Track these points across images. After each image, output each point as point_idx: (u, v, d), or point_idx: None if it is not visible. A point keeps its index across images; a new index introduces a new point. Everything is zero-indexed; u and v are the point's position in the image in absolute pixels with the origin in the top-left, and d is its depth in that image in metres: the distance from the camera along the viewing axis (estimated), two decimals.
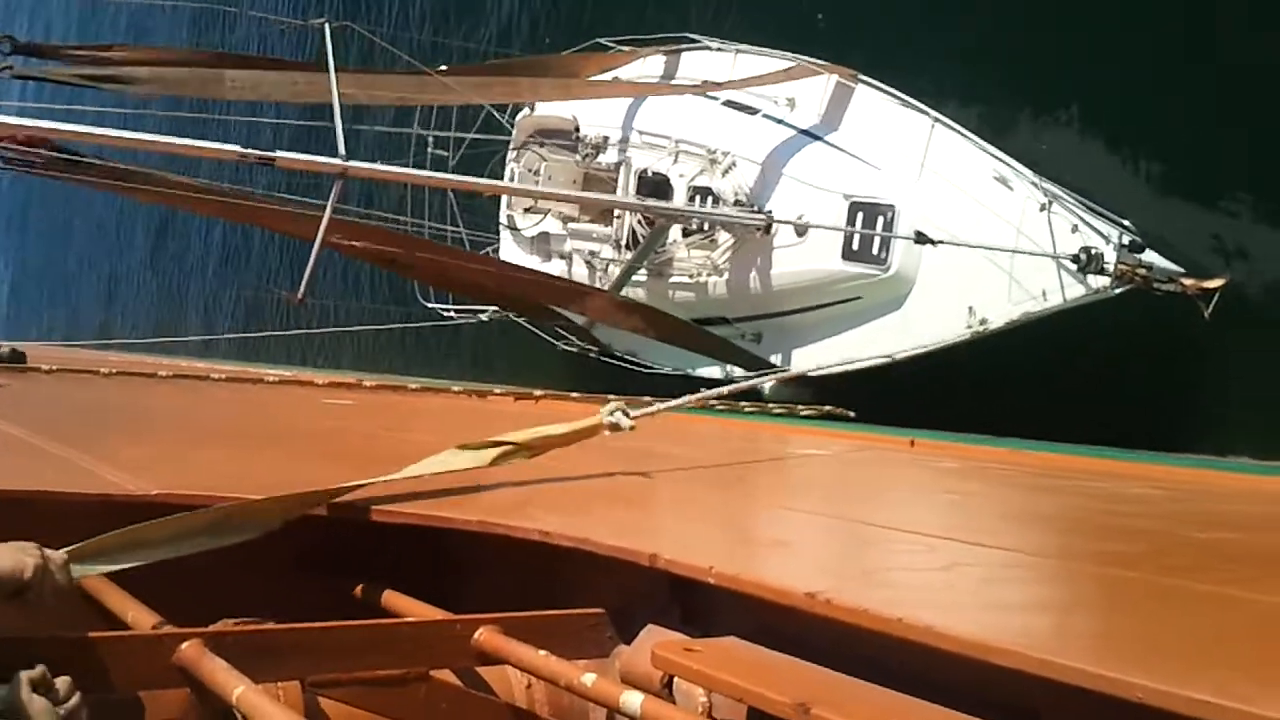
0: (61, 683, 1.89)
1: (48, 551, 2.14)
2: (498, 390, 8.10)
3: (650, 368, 9.99)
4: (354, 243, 7.87)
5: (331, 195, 7.29)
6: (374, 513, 2.83)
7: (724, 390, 4.91)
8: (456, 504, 2.92)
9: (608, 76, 10.21)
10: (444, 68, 9.82)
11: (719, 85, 9.15)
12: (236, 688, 1.88)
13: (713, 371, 9.54)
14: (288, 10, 16.52)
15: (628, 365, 10.10)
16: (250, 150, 7.14)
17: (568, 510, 3.02)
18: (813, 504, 3.49)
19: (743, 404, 7.92)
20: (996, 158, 7.74)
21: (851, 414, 7.38)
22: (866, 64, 8.79)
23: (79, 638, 2.07)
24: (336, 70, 7.64)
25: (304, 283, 7.53)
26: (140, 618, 2.37)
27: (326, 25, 8.10)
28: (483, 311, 11.59)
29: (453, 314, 11.57)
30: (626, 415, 3.42)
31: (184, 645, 2.07)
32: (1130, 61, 7.66)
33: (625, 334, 10.32)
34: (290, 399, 7.23)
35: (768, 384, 8.97)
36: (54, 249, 25.28)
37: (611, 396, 8.59)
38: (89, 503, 2.67)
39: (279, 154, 7.29)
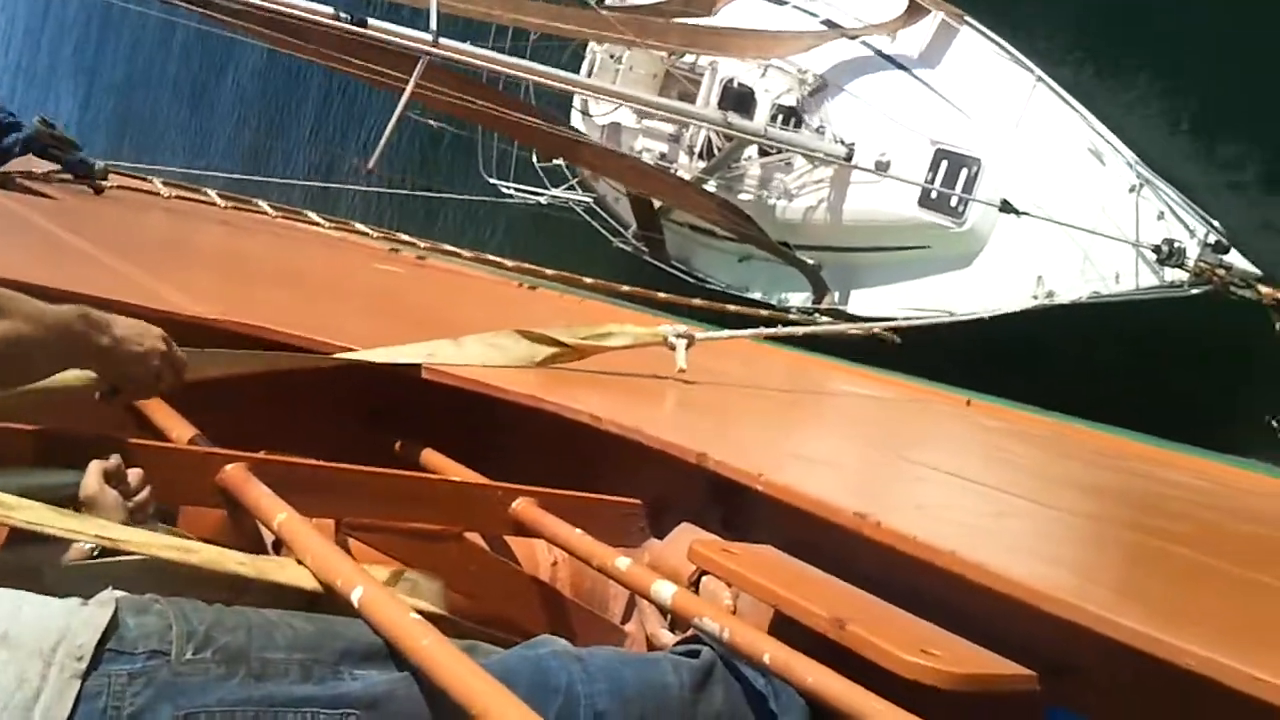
0: (134, 475, 1.89)
1: (175, 347, 2.14)
2: (549, 272, 8.04)
3: (702, 280, 9.92)
4: (442, 92, 7.79)
5: (416, 70, 7.24)
6: (424, 370, 2.83)
7: (793, 330, 4.86)
8: (505, 374, 2.92)
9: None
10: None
11: (847, 32, 8.83)
12: (280, 514, 1.88)
13: (769, 296, 9.47)
14: None
15: (679, 275, 10.03)
16: (344, 14, 7.10)
17: (617, 401, 3.00)
18: (865, 436, 3.47)
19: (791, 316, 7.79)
20: (1094, 129, 7.48)
21: (898, 340, 7.20)
22: (976, 5, 8.55)
23: (127, 441, 2.07)
24: None
25: (377, 151, 7.55)
26: (183, 434, 2.38)
27: None
28: (542, 194, 11.56)
29: (512, 192, 11.53)
30: (686, 340, 3.37)
31: (229, 467, 2.07)
32: (1254, 59, 7.37)
33: (685, 241, 10.27)
34: (343, 257, 7.26)
35: (815, 317, 8.90)
36: (137, 74, 25.34)
37: (660, 303, 8.61)
38: (153, 317, 2.67)
39: (371, 22, 7.23)
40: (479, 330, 3.10)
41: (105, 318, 2.01)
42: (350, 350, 2.79)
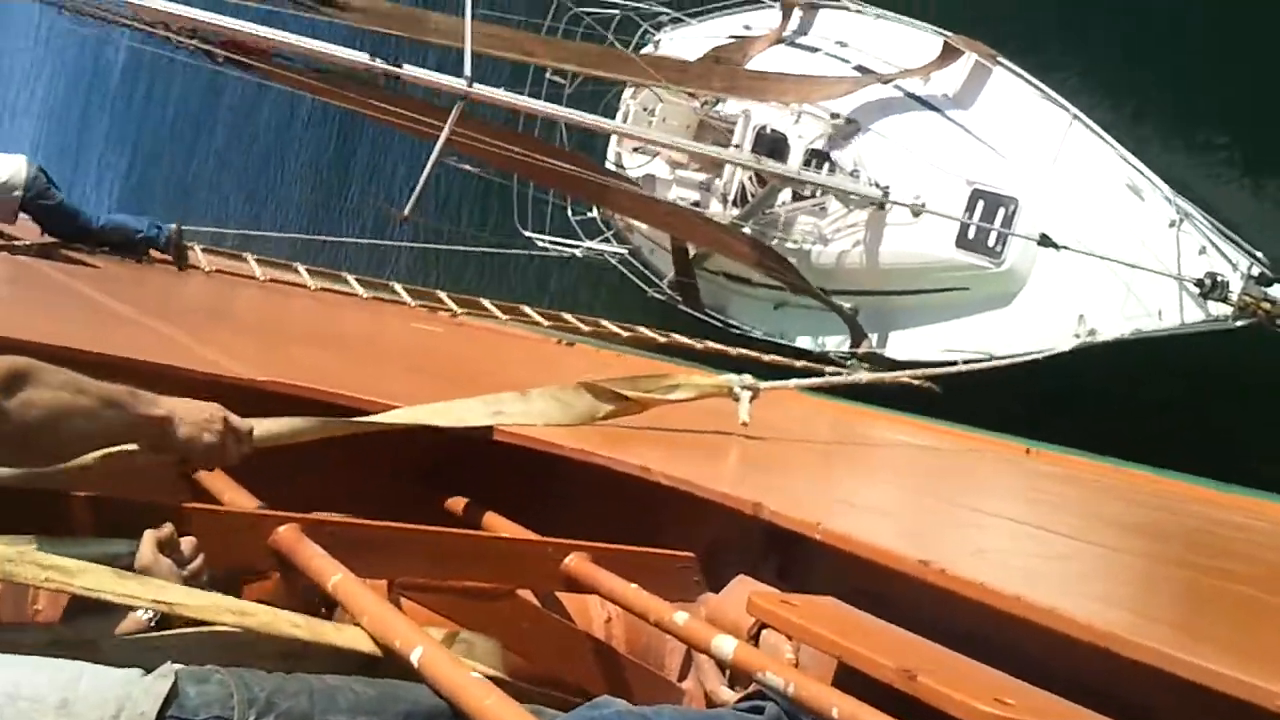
0: (187, 543, 1.89)
1: (235, 419, 2.16)
2: (585, 328, 8.07)
3: (739, 329, 9.89)
4: (478, 139, 7.86)
5: (451, 116, 7.29)
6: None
7: (842, 379, 4.82)
8: (552, 429, 2.90)
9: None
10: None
11: (882, 77, 8.84)
12: (334, 575, 1.87)
13: (805, 342, 9.43)
14: None
15: (715, 324, 10.01)
16: (379, 60, 7.18)
17: (669, 453, 2.98)
18: (919, 485, 3.43)
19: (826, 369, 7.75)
20: (1132, 165, 7.42)
21: (937, 388, 7.11)
22: (1007, 46, 8.54)
23: (180, 507, 2.07)
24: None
25: (411, 200, 7.60)
26: (237, 499, 2.39)
27: None
28: (577, 247, 11.59)
29: (547, 245, 11.57)
30: (751, 392, 3.34)
31: (281, 529, 2.06)
32: None
33: (719, 290, 10.25)
34: (382, 320, 7.32)
35: (853, 363, 8.85)
36: (166, 129, 25.70)
37: (698, 354, 8.60)
38: (199, 380, 2.69)
39: (406, 67, 7.32)
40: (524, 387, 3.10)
41: (153, 396, 2.05)
42: (397, 407, 2.78)
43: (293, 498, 2.37)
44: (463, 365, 5.22)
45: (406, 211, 7.82)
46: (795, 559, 2.28)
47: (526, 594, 2.43)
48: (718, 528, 2.41)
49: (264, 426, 2.32)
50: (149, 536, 1.86)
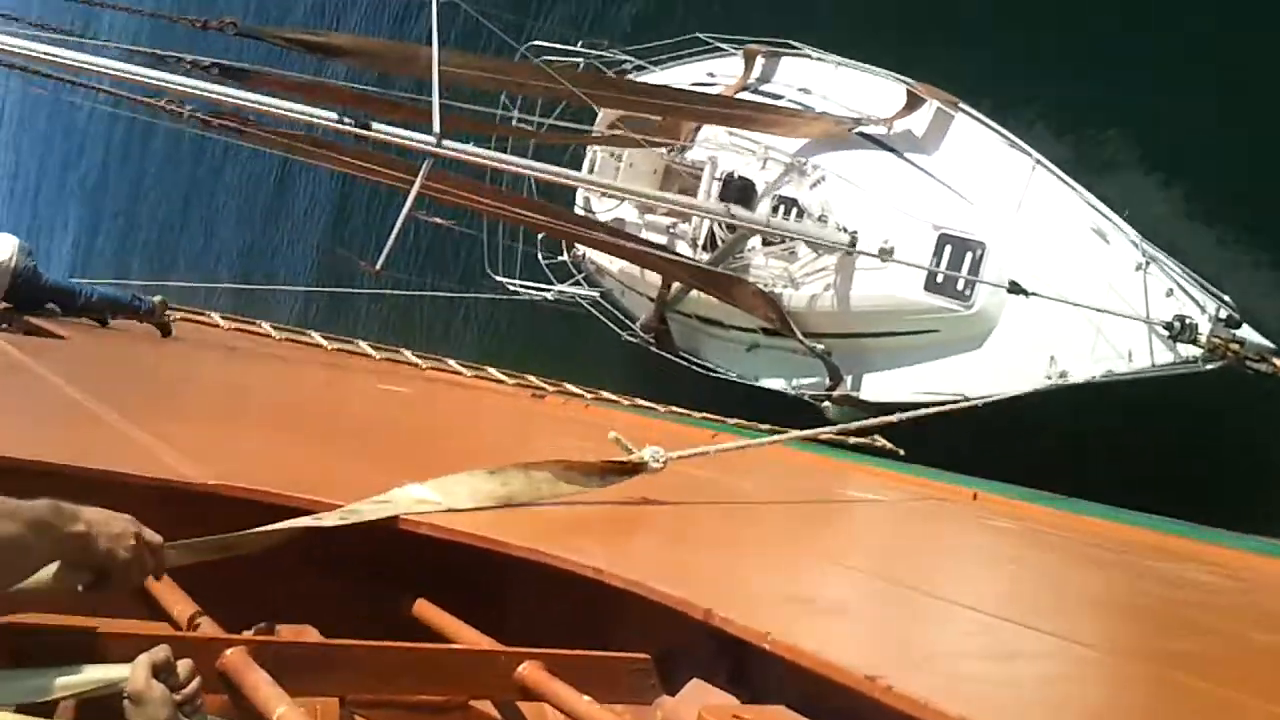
0: (183, 667, 1.84)
1: (146, 531, 2.12)
2: (549, 388, 8.10)
3: (712, 370, 9.91)
4: (449, 191, 7.91)
5: (421, 172, 7.30)
6: (416, 523, 2.81)
7: (798, 434, 4.83)
8: (503, 521, 2.89)
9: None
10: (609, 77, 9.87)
11: (858, 122, 8.88)
12: (279, 708, 1.85)
13: (779, 384, 9.45)
14: None
15: (691, 366, 10.02)
16: (347, 119, 7.20)
17: (620, 544, 2.98)
18: (873, 563, 3.42)
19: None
20: (1096, 209, 7.51)
21: (901, 452, 7.23)
22: (968, 92, 8.61)
23: (129, 633, 2.04)
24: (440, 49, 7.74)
25: (384, 253, 7.59)
26: (182, 610, 2.36)
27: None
28: (548, 290, 11.60)
29: (518, 288, 11.58)
30: (658, 460, 3.34)
31: (229, 651, 2.04)
32: (1253, 131, 7.39)
33: (692, 332, 10.28)
34: (345, 376, 7.29)
35: (827, 404, 8.88)
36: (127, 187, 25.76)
37: (658, 406, 8.62)
38: (148, 486, 2.67)
39: (375, 125, 7.32)
40: (477, 463, 3.10)
41: (74, 509, 2.00)
42: (341, 505, 2.76)
43: (234, 601, 2.35)
44: (424, 436, 5.19)
45: (379, 266, 7.81)
46: (747, 665, 2.27)
47: (483, 702, 2.41)
48: (671, 630, 2.39)
49: (179, 544, 2.28)
50: (143, 661, 1.81)
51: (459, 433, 5.70)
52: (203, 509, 2.66)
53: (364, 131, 7.18)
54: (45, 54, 6.56)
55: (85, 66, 6.98)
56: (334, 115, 7.35)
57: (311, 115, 7.33)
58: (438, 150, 7.29)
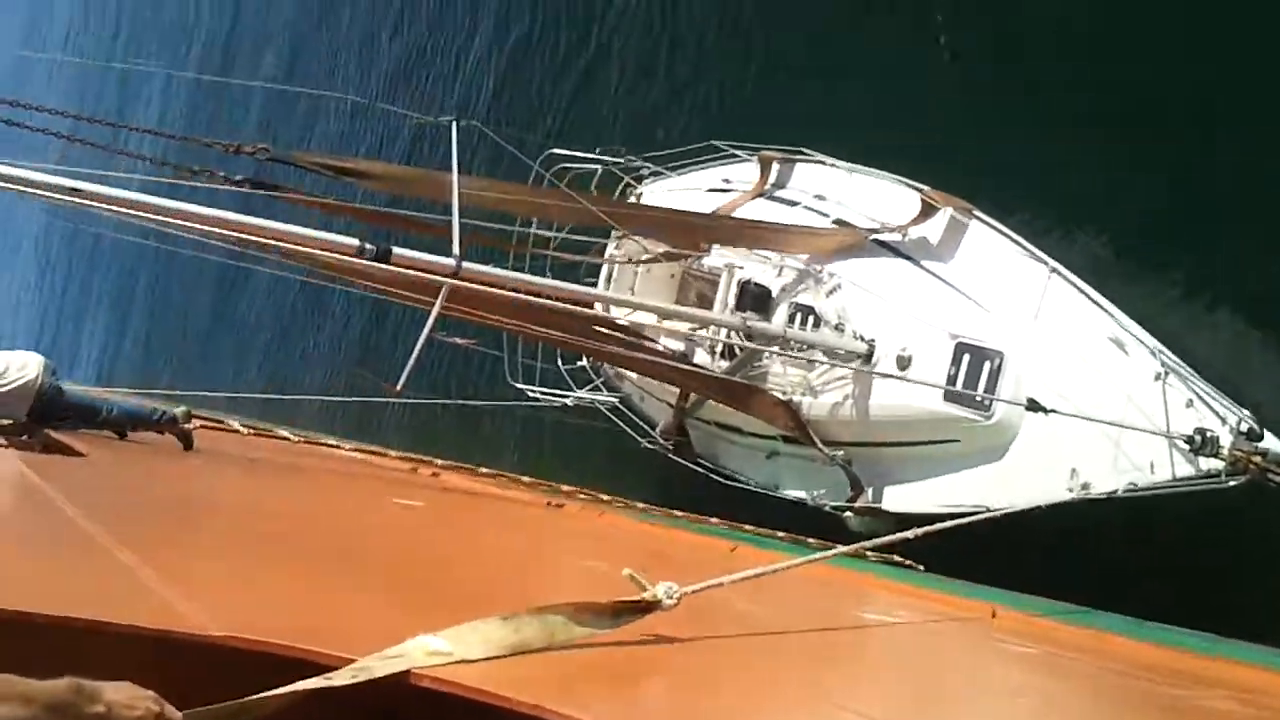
0: None
1: (169, 709, 2.11)
2: (565, 496, 8.06)
3: (731, 477, 9.83)
4: (469, 311, 7.97)
5: (440, 295, 7.34)
6: (426, 678, 2.76)
7: (817, 556, 4.76)
8: (510, 663, 2.84)
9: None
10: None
11: (873, 230, 8.94)
12: None
13: (799, 493, 9.36)
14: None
15: (711, 475, 9.95)
16: (368, 246, 7.26)
17: (626, 693, 2.90)
18: (887, 708, 3.34)
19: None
20: (1113, 317, 7.46)
21: (921, 568, 7.12)
22: (985, 199, 8.64)
23: None
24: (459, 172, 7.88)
25: (405, 374, 7.58)
26: None
27: (454, 124, 8.25)
28: (568, 396, 11.60)
29: (538, 395, 11.59)
30: (671, 597, 3.28)
31: None
32: (1271, 235, 7.38)
33: (711, 439, 10.22)
34: (360, 488, 7.26)
35: (849, 515, 8.79)
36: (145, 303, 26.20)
37: (676, 512, 8.56)
38: (146, 638, 2.64)
39: (396, 252, 7.38)
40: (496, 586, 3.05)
41: (95, 688, 2.00)
42: (353, 660, 2.72)
43: None
44: (439, 562, 5.14)
45: (400, 385, 7.81)
46: None
47: None
48: None
49: (197, 712, 2.26)
50: None
51: (474, 556, 5.65)
52: (212, 661, 2.64)
53: (384, 267, 7.24)
54: (71, 188, 6.59)
55: (108, 207, 7.01)
56: (355, 243, 7.41)
57: (333, 243, 7.41)
58: (455, 281, 7.34)
